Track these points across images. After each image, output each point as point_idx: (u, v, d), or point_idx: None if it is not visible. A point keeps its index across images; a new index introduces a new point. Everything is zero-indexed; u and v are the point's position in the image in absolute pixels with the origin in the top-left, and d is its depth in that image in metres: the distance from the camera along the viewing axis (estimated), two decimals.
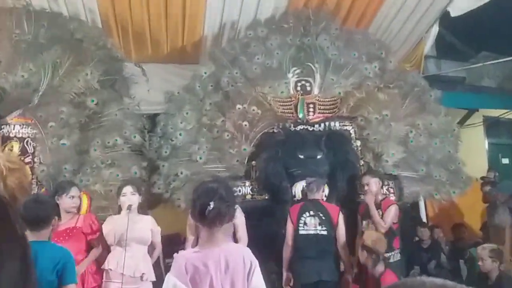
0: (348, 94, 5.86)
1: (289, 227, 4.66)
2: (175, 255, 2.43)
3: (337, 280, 4.56)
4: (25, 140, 5.04)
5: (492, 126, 9.04)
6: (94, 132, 5.22)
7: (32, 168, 4.99)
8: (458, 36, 7.54)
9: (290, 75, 5.94)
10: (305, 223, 4.63)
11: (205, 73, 5.88)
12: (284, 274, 4.66)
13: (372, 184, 4.94)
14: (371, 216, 4.76)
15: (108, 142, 5.21)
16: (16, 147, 4.97)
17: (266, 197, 5.46)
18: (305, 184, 5.01)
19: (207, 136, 5.61)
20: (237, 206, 2.72)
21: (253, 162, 5.60)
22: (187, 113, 5.71)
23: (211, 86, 5.84)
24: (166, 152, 5.60)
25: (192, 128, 5.66)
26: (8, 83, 4.95)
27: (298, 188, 5.26)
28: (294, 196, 5.24)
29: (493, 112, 8.72)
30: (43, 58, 5.11)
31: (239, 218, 4.23)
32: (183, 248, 3.96)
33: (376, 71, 5.94)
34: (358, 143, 5.78)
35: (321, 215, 4.66)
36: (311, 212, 4.68)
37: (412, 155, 5.68)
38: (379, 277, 4.11)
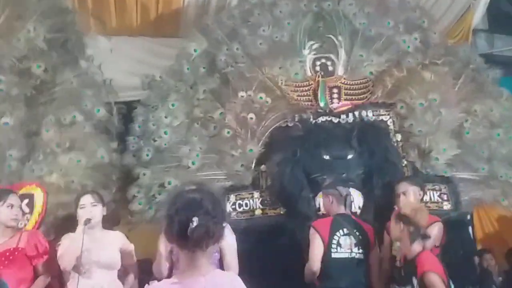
0: (383, 74, 5.49)
1: (317, 248, 4.14)
2: (146, 287, 2.27)
3: None
4: None
5: None
6: (46, 108, 4.87)
7: None
8: None
9: (306, 51, 5.60)
10: (339, 244, 4.15)
11: (196, 50, 5.58)
12: None
13: (411, 194, 4.49)
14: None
15: (65, 119, 4.84)
16: None
17: (282, 212, 5.08)
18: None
19: (201, 134, 5.28)
20: (226, 223, 2.45)
21: (263, 167, 5.23)
22: (173, 105, 5.38)
23: (204, 68, 5.55)
24: (147, 155, 5.25)
25: (181, 124, 5.34)
26: None
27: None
28: (319, 210, 4.82)
29: None
30: None
31: (228, 239, 3.77)
32: (156, 279, 3.57)
33: (417, 44, 5.57)
34: (399, 137, 5.32)
35: (357, 233, 4.22)
36: (345, 230, 4.22)
37: (469, 151, 5.24)
38: (415, 258, 3.76)
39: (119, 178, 5.14)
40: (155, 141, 5.25)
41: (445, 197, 5.09)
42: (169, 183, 5.03)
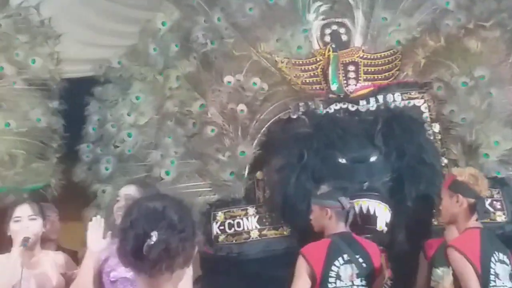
0: (414, 43, 5.31)
1: (301, 284, 4.03)
2: None
3: None
4: None
5: None
6: None
7: None
8: None
9: (311, 16, 5.42)
10: (338, 276, 4.05)
11: (164, 24, 5.46)
12: None
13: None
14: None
15: None
16: None
17: (285, 233, 4.94)
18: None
19: (177, 134, 5.17)
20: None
21: (259, 174, 5.08)
22: (137, 98, 5.28)
23: (177, 46, 5.39)
24: (106, 169, 5.20)
25: (149, 122, 5.25)
26: None
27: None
28: None
29: None
30: None
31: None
32: None
33: (459, 1, 5.40)
34: (437, 127, 5.14)
35: (360, 260, 4.11)
36: (346, 257, 4.10)
37: None
38: None
39: (60, 145, 5.19)
40: (116, 147, 5.20)
41: (498, 205, 4.94)
42: None
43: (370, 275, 4.11)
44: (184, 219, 2.13)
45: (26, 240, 3.81)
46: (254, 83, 5.09)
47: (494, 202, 4.93)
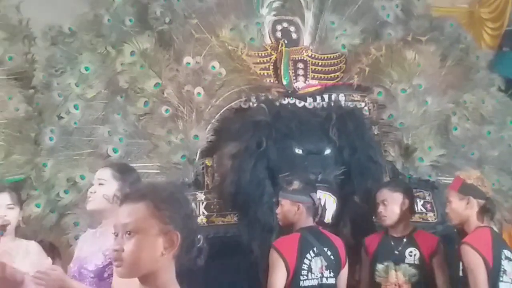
0: (359, 48, 5.20)
1: (280, 278, 3.84)
2: None
3: None
4: None
5: None
6: None
7: None
8: None
9: (264, 10, 5.19)
10: (309, 269, 3.86)
11: None
12: None
13: (393, 203, 4.27)
14: None
15: None
16: None
17: (234, 221, 4.63)
18: None
19: (127, 111, 4.73)
20: None
21: (208, 160, 4.76)
22: (87, 68, 4.79)
23: (131, 21, 4.98)
24: (50, 139, 4.66)
25: (98, 95, 4.78)
26: None
27: None
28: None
29: None
30: None
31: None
32: None
33: (398, 13, 5.36)
34: (375, 130, 5.05)
35: (328, 252, 3.95)
36: (315, 250, 3.92)
37: (457, 151, 5.07)
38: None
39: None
40: (61, 118, 4.64)
41: (429, 206, 4.88)
42: (82, 177, 4.44)
43: (337, 267, 3.97)
44: None
45: (2, 228, 3.70)
46: (213, 67, 4.71)
47: (426, 204, 4.87)
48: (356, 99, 5.07)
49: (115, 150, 4.53)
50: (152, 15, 4.87)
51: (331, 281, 3.92)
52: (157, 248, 1.82)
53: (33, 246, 3.91)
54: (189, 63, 4.63)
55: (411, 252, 4.14)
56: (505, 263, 3.82)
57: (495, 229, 4.11)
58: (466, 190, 3.88)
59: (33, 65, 5.09)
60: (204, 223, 4.54)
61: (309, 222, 4.00)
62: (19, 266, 3.63)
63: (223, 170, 4.61)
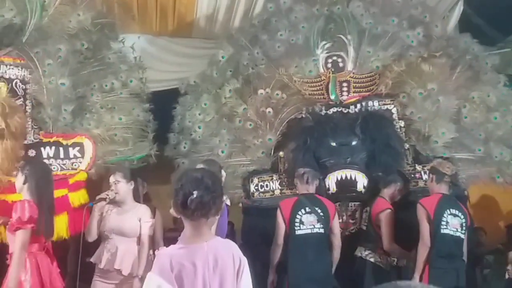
0: (388, 68, 5.65)
1: (280, 226, 4.59)
2: (156, 252, 2.56)
3: (331, 282, 4.54)
4: (14, 82, 5.05)
5: None
6: (90, 76, 5.36)
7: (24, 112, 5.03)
8: (485, 17, 6.98)
9: (319, 51, 5.79)
10: (301, 222, 4.55)
11: (223, 57, 5.90)
12: (271, 276, 4.66)
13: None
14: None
15: (106, 86, 5.37)
16: (4, 88, 4.95)
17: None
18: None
19: (229, 127, 5.63)
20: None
21: (281, 153, 5.60)
22: (205, 104, 5.74)
23: (230, 71, 5.85)
24: (185, 147, 5.68)
25: (212, 119, 5.69)
26: None
27: (332, 180, 5.18)
28: (328, 190, 5.17)
29: None
30: None
31: None
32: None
33: (420, 38, 5.66)
34: (402, 123, 5.58)
35: (319, 211, 4.59)
36: (307, 209, 4.61)
37: (467, 134, 5.44)
38: None
39: (153, 131, 5.61)
40: (191, 135, 5.63)
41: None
42: None
43: (326, 221, 4.58)
44: (216, 184, 2.37)
45: (97, 200, 4.19)
46: (277, 94, 5.51)
47: None
48: (387, 103, 5.61)
49: (223, 152, 5.44)
50: (241, 66, 5.71)
51: (321, 230, 4.52)
52: None
53: (141, 209, 4.32)
54: (262, 93, 5.52)
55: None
56: (449, 217, 4.35)
57: (447, 194, 4.49)
58: (431, 171, 4.60)
59: (145, 85, 5.71)
60: (279, 194, 5.43)
61: (307, 189, 4.69)
62: (127, 221, 4.18)
63: (288, 159, 5.42)
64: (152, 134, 5.59)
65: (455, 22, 6.65)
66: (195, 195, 2.24)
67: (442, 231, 4.31)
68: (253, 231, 5.33)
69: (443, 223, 4.32)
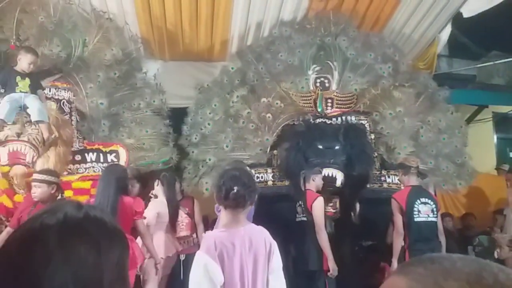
0: (364, 91, 6.13)
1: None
2: (203, 234, 2.75)
3: None
4: (61, 101, 5.53)
5: (501, 122, 9.58)
6: (122, 98, 5.90)
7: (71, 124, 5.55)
8: (470, 36, 7.76)
9: (310, 72, 6.24)
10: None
11: (233, 68, 6.33)
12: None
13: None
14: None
15: (134, 105, 5.92)
16: (53, 106, 5.40)
17: (286, 184, 5.84)
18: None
19: (233, 126, 5.98)
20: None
21: (275, 151, 6.01)
22: (215, 105, 6.11)
23: (238, 80, 6.23)
24: (195, 139, 6.02)
25: (220, 118, 6.05)
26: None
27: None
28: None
29: (502, 108, 9.20)
30: (73, 35, 5.64)
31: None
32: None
33: (390, 71, 6.22)
34: (372, 136, 6.12)
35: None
36: (299, 203, 5.10)
37: (422, 149, 6.02)
38: None
39: (174, 144, 6.08)
40: (201, 129, 5.98)
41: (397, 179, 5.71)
42: (209, 159, 5.84)
43: (307, 210, 4.95)
44: (251, 181, 2.59)
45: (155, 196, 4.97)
46: (277, 103, 5.97)
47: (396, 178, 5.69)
48: (362, 119, 6.15)
49: (227, 146, 5.81)
50: (248, 77, 6.10)
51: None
52: None
53: (153, 202, 4.94)
54: (264, 101, 5.96)
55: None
56: (420, 206, 4.60)
57: (416, 185, 4.79)
58: (398, 166, 4.95)
59: (165, 105, 6.17)
60: (271, 185, 5.86)
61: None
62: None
63: (282, 157, 5.81)
64: (172, 143, 6.09)
65: (444, 42, 7.32)
66: (235, 190, 2.48)
67: (415, 219, 4.57)
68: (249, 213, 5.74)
69: (415, 212, 4.58)
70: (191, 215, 5.53)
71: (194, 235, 5.52)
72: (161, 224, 4.82)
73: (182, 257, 5.27)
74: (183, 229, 5.42)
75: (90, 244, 0.90)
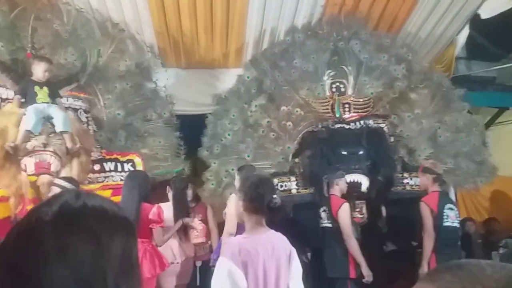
0: (381, 93, 6.05)
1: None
2: (222, 240, 2.73)
3: None
4: (78, 111, 5.49)
5: None
6: (135, 108, 5.87)
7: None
8: (488, 38, 7.56)
9: (325, 77, 6.12)
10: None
11: (248, 77, 6.18)
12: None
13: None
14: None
15: (147, 116, 5.90)
16: (72, 116, 5.34)
17: (310, 191, 5.75)
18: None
19: (253, 135, 5.88)
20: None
21: (296, 159, 5.91)
22: (233, 115, 5.99)
23: (254, 89, 6.10)
24: (217, 150, 5.90)
25: (239, 128, 5.94)
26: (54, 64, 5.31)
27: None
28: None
29: None
30: (88, 45, 5.56)
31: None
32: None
33: (404, 72, 6.11)
34: (392, 139, 6.07)
35: (326, 210, 4.94)
36: (322, 208, 5.03)
37: (441, 149, 6.01)
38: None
39: (185, 151, 6.05)
40: (221, 140, 5.86)
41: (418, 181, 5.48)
42: (232, 170, 5.63)
43: (332, 217, 4.84)
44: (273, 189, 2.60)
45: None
46: (297, 111, 5.85)
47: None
48: (380, 122, 6.06)
49: (248, 156, 5.67)
50: (265, 85, 5.97)
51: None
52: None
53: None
54: (284, 109, 5.86)
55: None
56: (448, 211, 4.61)
57: (441, 190, 4.78)
58: (426, 170, 4.82)
59: (174, 117, 6.12)
60: (295, 193, 5.74)
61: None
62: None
63: (305, 164, 5.72)
64: (184, 155, 6.06)
65: (462, 44, 7.15)
66: (276, 200, 2.55)
67: (444, 223, 4.58)
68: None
69: (444, 216, 4.59)
70: (204, 221, 5.49)
71: (210, 242, 5.49)
72: (167, 228, 4.73)
73: (199, 263, 5.30)
74: (198, 236, 5.36)
75: (88, 237, 0.83)
